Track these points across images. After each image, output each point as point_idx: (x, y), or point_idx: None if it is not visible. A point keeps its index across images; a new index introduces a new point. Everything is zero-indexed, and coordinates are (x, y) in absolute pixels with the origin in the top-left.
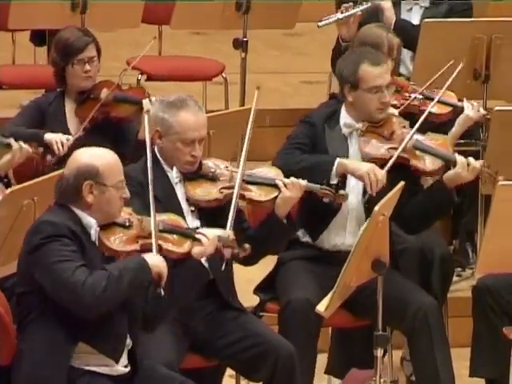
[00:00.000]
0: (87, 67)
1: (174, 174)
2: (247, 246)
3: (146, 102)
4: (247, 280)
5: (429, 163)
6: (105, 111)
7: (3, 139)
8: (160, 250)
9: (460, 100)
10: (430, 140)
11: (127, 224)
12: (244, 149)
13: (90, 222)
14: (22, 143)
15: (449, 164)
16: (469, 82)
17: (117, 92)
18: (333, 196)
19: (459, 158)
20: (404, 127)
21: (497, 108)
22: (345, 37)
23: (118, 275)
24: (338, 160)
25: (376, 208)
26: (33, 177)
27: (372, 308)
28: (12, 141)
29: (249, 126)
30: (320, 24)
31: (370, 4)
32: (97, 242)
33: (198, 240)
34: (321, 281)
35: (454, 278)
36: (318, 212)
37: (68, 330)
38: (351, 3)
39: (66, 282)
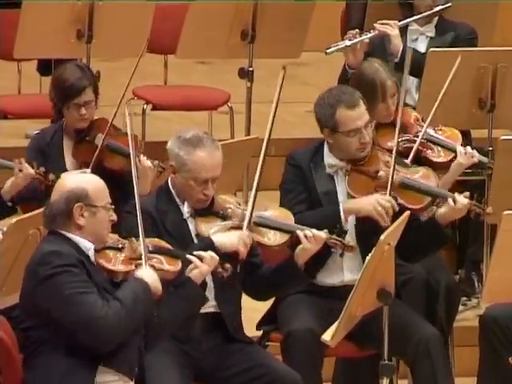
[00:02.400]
0: (83, 111)
1: (185, 209)
2: (228, 265)
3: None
4: (252, 309)
5: (416, 200)
6: (98, 158)
7: (4, 162)
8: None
9: (467, 133)
10: (415, 174)
11: (120, 246)
12: (253, 189)
13: (86, 245)
14: (22, 164)
15: (436, 199)
16: (474, 111)
17: (111, 141)
18: (341, 246)
19: (451, 199)
20: (387, 162)
21: (502, 137)
22: (351, 64)
23: (132, 307)
24: (341, 207)
25: (382, 237)
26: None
27: (376, 338)
28: (12, 163)
29: (262, 152)
30: (328, 51)
31: (377, 31)
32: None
33: (189, 260)
34: (321, 312)
35: (460, 308)
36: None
37: (85, 357)
38: (357, 30)
39: (87, 318)
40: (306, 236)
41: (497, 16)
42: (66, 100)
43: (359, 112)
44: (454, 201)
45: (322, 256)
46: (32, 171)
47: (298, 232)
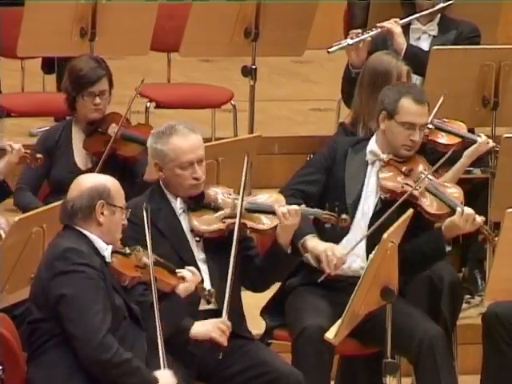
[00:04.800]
0: (97, 100)
1: (177, 205)
2: (212, 290)
3: None
4: (256, 306)
5: (435, 207)
6: (112, 147)
7: None
8: (156, 280)
9: (471, 130)
10: (443, 186)
11: (127, 252)
12: (242, 179)
13: (102, 245)
14: (12, 144)
15: (453, 213)
16: (478, 109)
17: (125, 130)
18: (335, 220)
19: (460, 209)
20: (425, 170)
21: (505, 135)
22: (354, 63)
23: (130, 374)
24: (305, 237)
25: (385, 235)
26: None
27: (379, 336)
28: (3, 144)
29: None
30: (330, 50)
31: (379, 30)
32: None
33: (181, 276)
34: (331, 307)
35: (463, 306)
36: (324, 236)
37: None
38: (360, 30)
39: (87, 328)
40: (283, 213)
41: (500, 14)
42: (82, 89)
43: (422, 110)
44: (469, 216)
45: (333, 240)
46: (20, 146)
47: (276, 208)
